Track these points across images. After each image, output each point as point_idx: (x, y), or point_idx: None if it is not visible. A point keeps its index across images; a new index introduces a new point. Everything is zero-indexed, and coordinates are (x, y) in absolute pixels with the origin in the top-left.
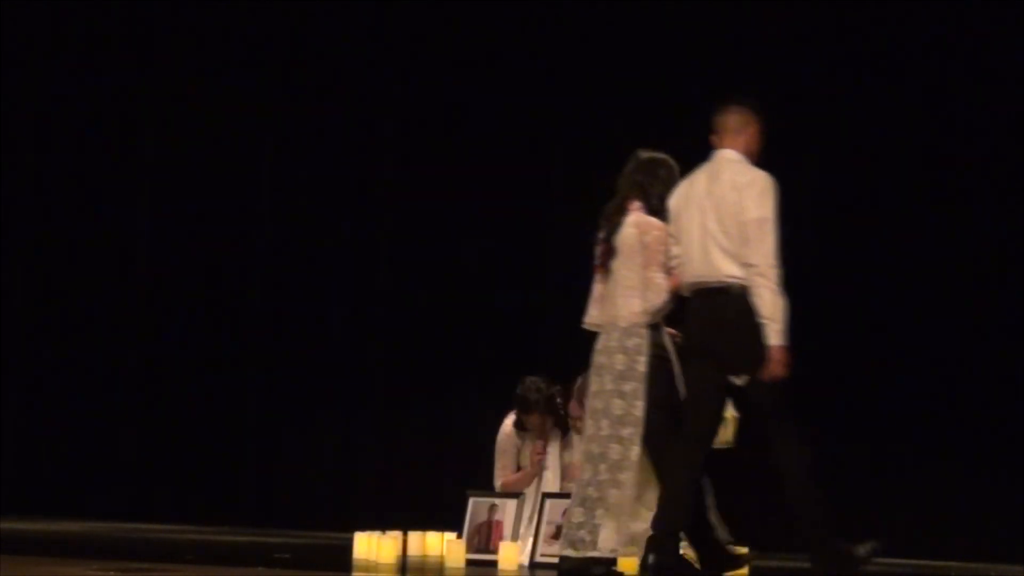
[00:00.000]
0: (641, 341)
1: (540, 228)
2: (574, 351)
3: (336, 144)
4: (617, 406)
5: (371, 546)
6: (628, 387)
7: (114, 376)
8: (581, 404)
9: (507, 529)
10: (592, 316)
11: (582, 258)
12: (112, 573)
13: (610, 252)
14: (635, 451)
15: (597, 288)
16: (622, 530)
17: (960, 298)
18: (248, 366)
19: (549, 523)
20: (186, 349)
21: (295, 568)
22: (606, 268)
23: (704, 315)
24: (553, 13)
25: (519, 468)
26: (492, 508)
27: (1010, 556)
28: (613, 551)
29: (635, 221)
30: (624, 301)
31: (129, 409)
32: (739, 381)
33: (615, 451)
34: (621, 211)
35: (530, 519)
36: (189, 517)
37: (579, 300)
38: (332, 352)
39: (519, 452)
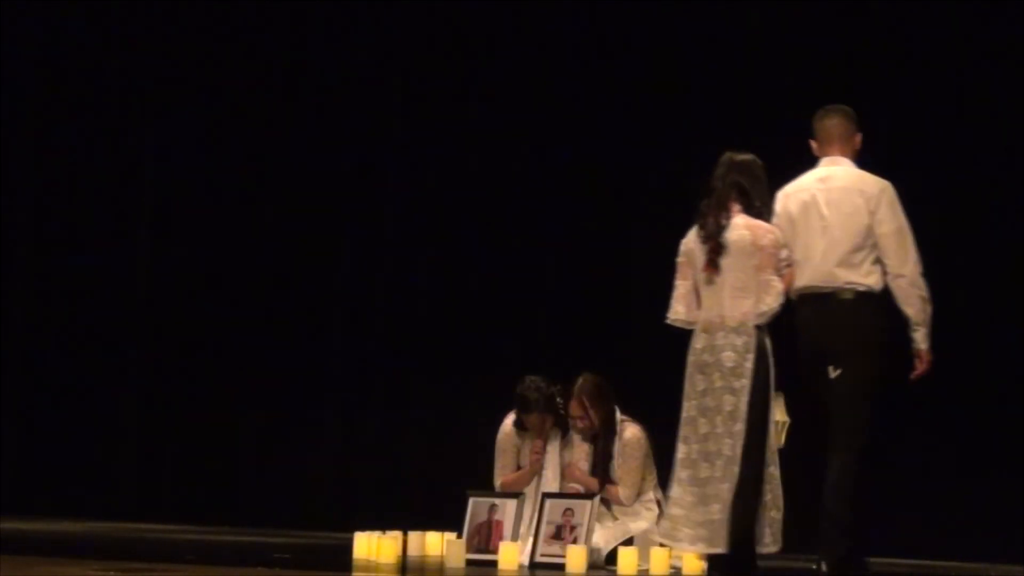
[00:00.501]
0: (750, 339)
1: (540, 228)
2: (574, 351)
3: (336, 145)
4: (728, 402)
5: (371, 546)
6: (738, 384)
7: (114, 376)
8: (581, 403)
9: (507, 529)
10: (679, 313)
11: (582, 259)
12: (112, 573)
13: (718, 251)
14: (741, 446)
15: (683, 286)
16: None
17: (960, 298)
18: (248, 366)
19: (549, 523)
20: (186, 349)
21: (295, 568)
22: (715, 268)
23: (823, 317)
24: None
25: (519, 467)
26: (492, 508)
27: (1010, 556)
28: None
29: (747, 224)
30: (733, 301)
31: (129, 409)
32: (832, 374)
33: (728, 447)
34: (723, 212)
35: (530, 519)
36: (189, 517)
37: (579, 301)
38: (332, 352)
39: (519, 451)
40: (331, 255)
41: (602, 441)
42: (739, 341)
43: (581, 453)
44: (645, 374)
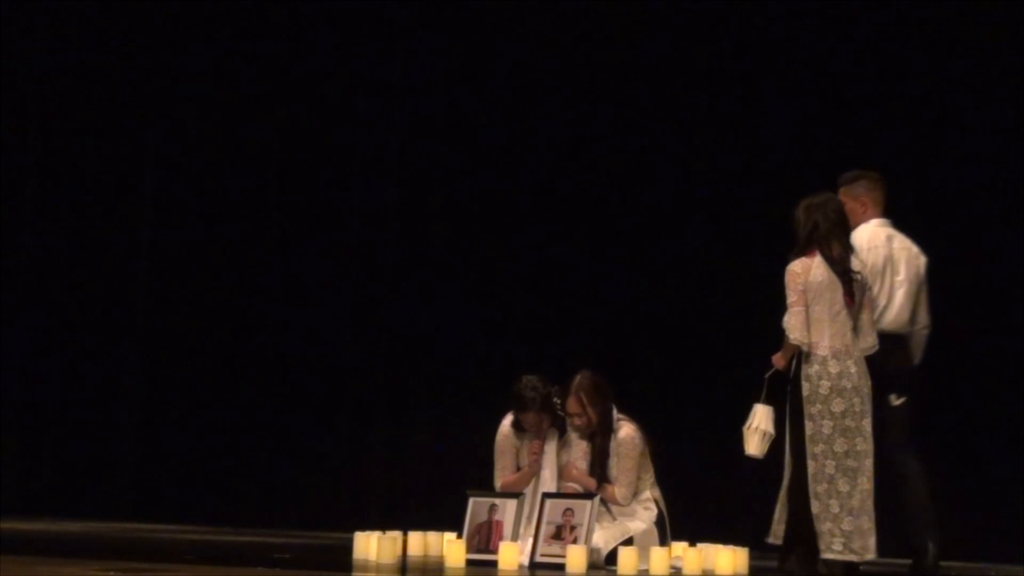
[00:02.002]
0: (866, 369)
1: (540, 229)
2: (573, 352)
3: (336, 148)
4: (867, 424)
5: (371, 546)
6: (870, 408)
7: (114, 375)
8: (579, 401)
9: (507, 529)
10: (806, 336)
11: (583, 260)
12: (112, 573)
13: (852, 285)
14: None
15: (803, 312)
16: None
17: (951, 297)
18: (249, 366)
19: (549, 523)
20: (187, 349)
21: (295, 568)
22: (854, 300)
23: (901, 353)
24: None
25: (518, 468)
26: (492, 508)
27: (1010, 556)
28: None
29: (858, 266)
30: (852, 333)
31: (129, 409)
32: (896, 402)
33: (868, 462)
34: (847, 248)
35: (530, 519)
36: (189, 517)
37: (578, 302)
38: (333, 352)
39: (518, 452)
40: (335, 254)
41: (599, 439)
42: (865, 370)
43: (579, 452)
44: (643, 374)
